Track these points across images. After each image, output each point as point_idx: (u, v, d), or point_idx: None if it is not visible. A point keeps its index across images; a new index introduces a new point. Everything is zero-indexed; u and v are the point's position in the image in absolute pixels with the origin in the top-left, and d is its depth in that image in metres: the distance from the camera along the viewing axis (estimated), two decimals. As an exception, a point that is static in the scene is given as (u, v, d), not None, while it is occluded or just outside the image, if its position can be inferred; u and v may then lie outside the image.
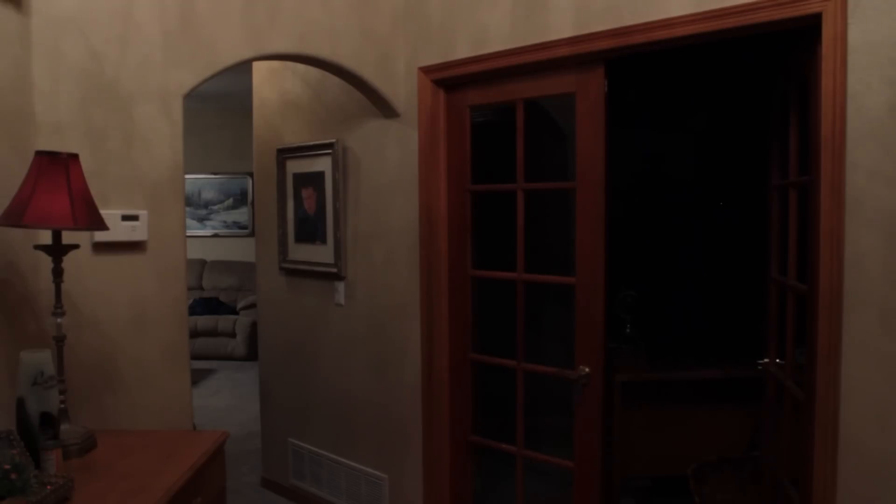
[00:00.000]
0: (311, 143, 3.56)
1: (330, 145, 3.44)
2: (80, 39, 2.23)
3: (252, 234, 6.62)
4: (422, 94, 3.00)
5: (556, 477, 2.84)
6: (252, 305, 7.28)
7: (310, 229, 3.62)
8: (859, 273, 1.95)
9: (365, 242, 3.34)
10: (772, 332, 2.71)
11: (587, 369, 2.62)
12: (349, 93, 3.22)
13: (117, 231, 2.26)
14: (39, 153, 1.90)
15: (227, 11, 2.53)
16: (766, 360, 2.74)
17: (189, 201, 8.02)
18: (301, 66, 3.46)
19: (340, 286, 3.46)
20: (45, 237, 2.01)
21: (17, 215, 1.82)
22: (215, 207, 8.61)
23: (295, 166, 3.70)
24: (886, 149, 1.90)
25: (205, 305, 7.67)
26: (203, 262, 8.35)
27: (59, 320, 2.00)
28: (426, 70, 2.98)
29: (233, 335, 7.43)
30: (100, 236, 2.26)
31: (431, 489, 3.10)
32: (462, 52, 2.86)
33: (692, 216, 4.40)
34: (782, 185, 2.64)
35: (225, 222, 8.62)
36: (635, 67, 3.06)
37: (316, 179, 3.56)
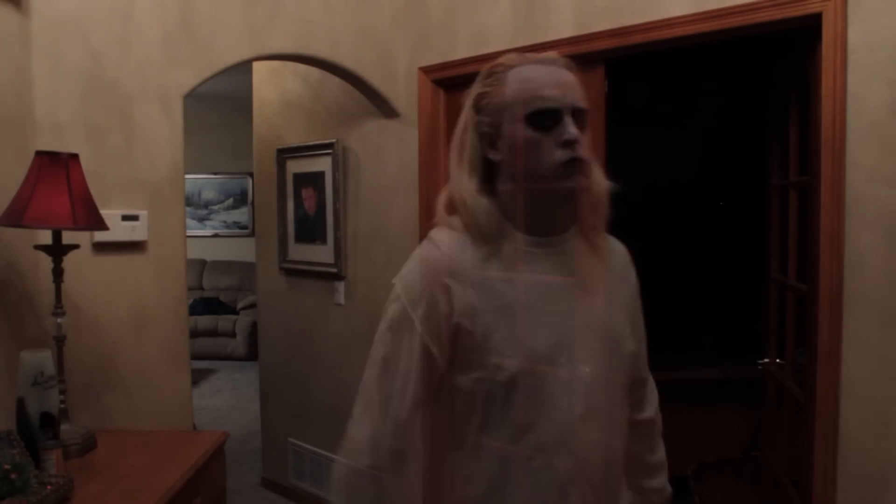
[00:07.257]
0: (311, 143, 3.56)
1: (330, 145, 3.44)
2: (80, 39, 2.23)
3: (252, 234, 6.62)
4: (422, 94, 3.00)
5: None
6: (252, 305, 7.28)
7: (310, 229, 3.62)
8: (859, 273, 1.95)
9: (365, 242, 3.34)
10: (772, 332, 2.71)
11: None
12: (349, 93, 3.22)
13: (117, 231, 2.26)
14: (39, 153, 1.90)
15: (227, 12, 2.53)
16: (766, 360, 2.74)
17: (189, 201, 8.02)
18: (301, 66, 3.45)
19: (340, 286, 3.46)
20: (45, 237, 2.01)
21: (17, 215, 1.82)
22: (215, 207, 8.60)
23: (295, 166, 3.69)
24: (886, 149, 1.90)
25: (205, 305, 7.66)
26: (203, 262, 8.35)
27: (59, 320, 2.00)
28: (426, 70, 2.98)
29: (233, 335, 7.43)
30: (100, 236, 2.26)
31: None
32: (462, 52, 2.86)
33: (692, 216, 4.40)
34: (782, 185, 2.64)
35: (225, 222, 8.61)
36: (635, 67, 3.05)
37: (316, 179, 3.55)
